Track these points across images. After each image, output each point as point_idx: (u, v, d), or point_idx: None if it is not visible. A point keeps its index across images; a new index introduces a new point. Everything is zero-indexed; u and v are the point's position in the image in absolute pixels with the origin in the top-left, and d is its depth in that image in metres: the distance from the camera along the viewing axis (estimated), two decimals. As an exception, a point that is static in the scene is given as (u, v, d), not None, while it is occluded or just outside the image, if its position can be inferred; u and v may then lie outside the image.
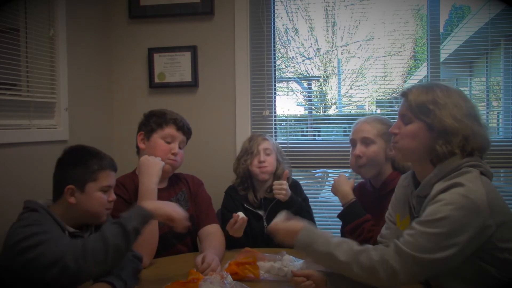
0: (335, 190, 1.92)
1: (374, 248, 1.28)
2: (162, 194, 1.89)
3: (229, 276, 1.44)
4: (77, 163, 1.52)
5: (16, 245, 1.31)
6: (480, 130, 1.33)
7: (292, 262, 1.62)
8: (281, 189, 1.99)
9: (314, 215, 2.20)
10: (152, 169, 1.83)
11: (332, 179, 2.89)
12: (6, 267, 1.35)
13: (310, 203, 2.20)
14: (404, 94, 1.41)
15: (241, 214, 1.89)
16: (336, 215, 1.89)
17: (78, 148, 1.59)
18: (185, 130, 1.98)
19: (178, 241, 1.93)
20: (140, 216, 1.43)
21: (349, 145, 1.99)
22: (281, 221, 1.48)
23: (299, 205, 2.01)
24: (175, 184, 2.01)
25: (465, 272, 1.28)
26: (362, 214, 1.76)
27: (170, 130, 1.93)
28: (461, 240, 1.20)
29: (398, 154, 1.44)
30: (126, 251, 1.41)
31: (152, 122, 1.95)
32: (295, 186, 2.18)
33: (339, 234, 1.98)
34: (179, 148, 1.96)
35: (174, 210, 1.51)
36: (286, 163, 2.23)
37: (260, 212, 2.10)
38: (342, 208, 1.86)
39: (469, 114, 1.33)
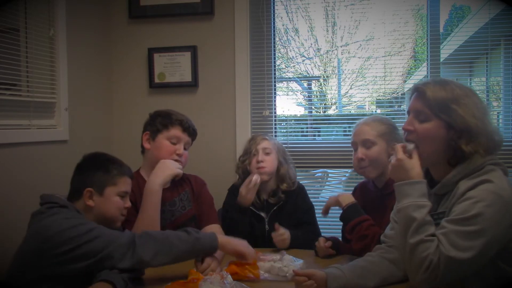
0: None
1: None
2: (166, 194, 1.89)
3: (229, 276, 1.43)
4: (98, 168, 1.58)
5: (61, 234, 1.35)
6: (494, 129, 1.33)
7: (292, 262, 1.62)
8: (282, 239, 1.92)
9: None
10: (162, 171, 1.85)
11: (332, 179, 2.87)
12: (36, 262, 1.36)
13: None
14: (419, 89, 1.37)
15: (255, 176, 1.95)
16: (336, 215, 1.88)
17: (99, 154, 1.65)
18: (191, 132, 1.98)
19: None
20: (209, 240, 1.56)
21: (349, 145, 1.99)
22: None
23: (301, 240, 1.96)
24: (179, 184, 2.01)
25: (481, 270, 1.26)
26: (362, 214, 1.76)
27: (175, 131, 1.92)
28: (493, 236, 1.19)
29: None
30: (178, 255, 1.49)
31: (158, 122, 1.94)
32: (299, 192, 2.15)
33: (340, 235, 1.98)
34: (184, 149, 1.95)
35: (243, 245, 1.63)
36: (290, 163, 2.20)
37: (262, 214, 2.09)
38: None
39: (486, 113, 1.33)
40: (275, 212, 2.08)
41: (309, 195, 2.24)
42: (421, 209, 1.27)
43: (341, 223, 1.86)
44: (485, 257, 1.22)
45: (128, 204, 1.61)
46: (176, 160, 1.91)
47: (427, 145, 1.34)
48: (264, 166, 2.07)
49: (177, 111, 2.01)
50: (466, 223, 1.19)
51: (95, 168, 1.58)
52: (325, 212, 1.87)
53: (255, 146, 2.13)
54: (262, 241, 2.00)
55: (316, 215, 2.21)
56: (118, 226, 1.58)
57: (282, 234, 1.91)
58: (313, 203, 2.22)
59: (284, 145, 2.65)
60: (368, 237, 1.66)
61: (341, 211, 1.81)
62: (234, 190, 2.16)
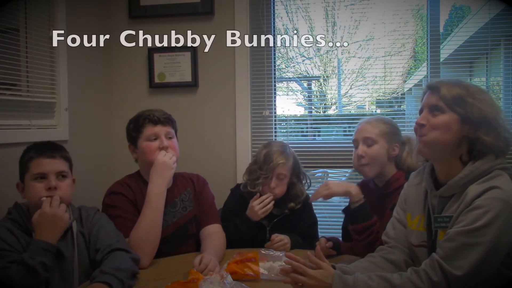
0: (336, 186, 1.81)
1: (417, 276, 1.22)
2: (167, 195, 1.86)
3: (229, 276, 1.43)
4: (19, 160, 1.62)
5: None
6: (507, 128, 1.33)
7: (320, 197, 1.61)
8: (283, 244, 1.89)
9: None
10: (167, 171, 1.82)
11: (332, 179, 2.84)
12: None
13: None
14: (434, 86, 1.36)
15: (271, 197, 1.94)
16: (336, 215, 1.87)
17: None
18: (163, 121, 1.90)
19: (182, 243, 1.92)
20: None
21: (350, 144, 1.99)
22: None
23: (300, 246, 1.95)
24: (180, 184, 1.99)
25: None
26: (371, 217, 1.73)
27: (148, 129, 1.88)
28: (505, 245, 1.19)
29: (425, 148, 1.36)
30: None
31: (131, 130, 1.92)
32: (304, 206, 2.08)
33: (340, 233, 1.98)
34: (169, 139, 1.91)
35: None
36: (303, 178, 2.10)
37: (264, 223, 2.04)
38: (348, 203, 1.80)
39: (500, 111, 1.33)
40: (277, 222, 2.04)
41: (309, 195, 2.22)
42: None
43: (337, 221, 1.83)
44: (494, 265, 1.21)
45: (52, 184, 1.55)
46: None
47: (438, 134, 1.32)
48: (274, 194, 2.00)
49: (146, 109, 1.95)
50: (476, 235, 1.18)
51: (19, 162, 1.62)
52: (315, 199, 1.82)
53: (271, 170, 1.98)
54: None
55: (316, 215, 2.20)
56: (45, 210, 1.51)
57: (281, 239, 1.89)
58: (313, 203, 2.20)
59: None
60: (377, 243, 1.62)
61: (338, 208, 1.78)
62: (237, 193, 2.12)
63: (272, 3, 2.71)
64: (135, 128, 1.91)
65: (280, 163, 1.98)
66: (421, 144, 1.37)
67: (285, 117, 2.86)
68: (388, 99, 2.85)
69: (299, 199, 2.06)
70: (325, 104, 3.20)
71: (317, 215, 2.19)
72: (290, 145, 2.63)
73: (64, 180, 1.60)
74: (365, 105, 3.25)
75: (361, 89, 2.97)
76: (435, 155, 1.38)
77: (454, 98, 1.31)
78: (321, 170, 2.95)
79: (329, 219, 2.61)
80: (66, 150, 1.68)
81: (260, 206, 1.94)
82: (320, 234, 2.13)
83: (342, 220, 2.11)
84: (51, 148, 1.62)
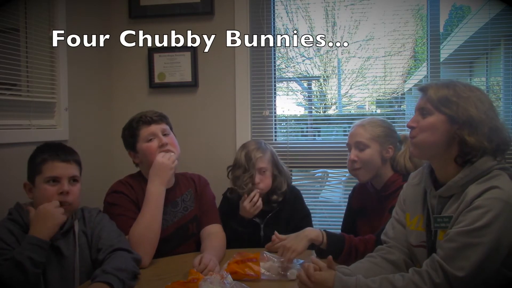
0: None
1: (419, 277, 1.22)
2: (168, 195, 1.87)
3: (229, 276, 1.43)
4: (29, 160, 1.60)
5: None
6: (501, 126, 1.32)
7: (292, 262, 1.61)
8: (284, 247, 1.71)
9: (314, 215, 2.19)
10: (165, 171, 1.83)
11: (332, 179, 2.83)
12: None
13: (309, 203, 2.17)
14: (423, 88, 1.39)
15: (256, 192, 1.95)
16: (336, 214, 1.86)
17: (39, 146, 1.64)
18: (156, 119, 1.91)
19: (183, 243, 1.93)
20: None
21: (350, 145, 1.99)
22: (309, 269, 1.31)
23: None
24: (182, 184, 2.00)
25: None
26: (342, 242, 1.67)
27: (144, 131, 1.89)
28: (505, 245, 1.19)
29: (416, 150, 1.39)
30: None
31: (127, 136, 1.93)
32: (295, 199, 2.09)
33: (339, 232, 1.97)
34: (166, 135, 1.91)
35: None
36: (283, 171, 2.09)
37: (257, 220, 2.05)
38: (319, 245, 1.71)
39: (491, 109, 1.32)
40: (270, 218, 2.05)
41: (309, 195, 2.23)
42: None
43: (337, 221, 1.81)
44: (495, 266, 1.21)
45: (65, 188, 1.54)
46: (166, 150, 1.87)
47: (426, 135, 1.34)
48: (260, 188, 2.00)
49: (137, 114, 1.95)
50: (477, 235, 1.18)
51: (28, 161, 1.59)
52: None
53: (253, 167, 2.00)
54: (258, 247, 1.97)
55: (316, 214, 2.19)
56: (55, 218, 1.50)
57: (282, 239, 1.82)
58: (314, 203, 2.20)
59: (284, 145, 2.66)
60: (368, 249, 1.60)
61: (338, 208, 1.77)
62: (229, 195, 2.11)
63: (272, 3, 2.71)
64: (130, 134, 1.92)
65: (258, 157, 2.01)
66: (412, 146, 1.41)
67: (285, 117, 2.86)
68: (388, 99, 2.85)
69: (281, 190, 2.06)
70: (325, 104, 3.20)
71: (317, 215, 2.19)
72: (290, 145, 2.67)
73: (76, 184, 1.60)
74: (365, 105, 3.25)
75: (361, 89, 2.97)
76: (426, 156, 1.40)
77: (440, 99, 1.33)
78: (321, 170, 2.95)
79: (329, 218, 2.60)
80: (78, 154, 1.67)
81: (250, 204, 1.95)
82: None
83: (342, 220, 2.12)
84: (65, 152, 1.61)
